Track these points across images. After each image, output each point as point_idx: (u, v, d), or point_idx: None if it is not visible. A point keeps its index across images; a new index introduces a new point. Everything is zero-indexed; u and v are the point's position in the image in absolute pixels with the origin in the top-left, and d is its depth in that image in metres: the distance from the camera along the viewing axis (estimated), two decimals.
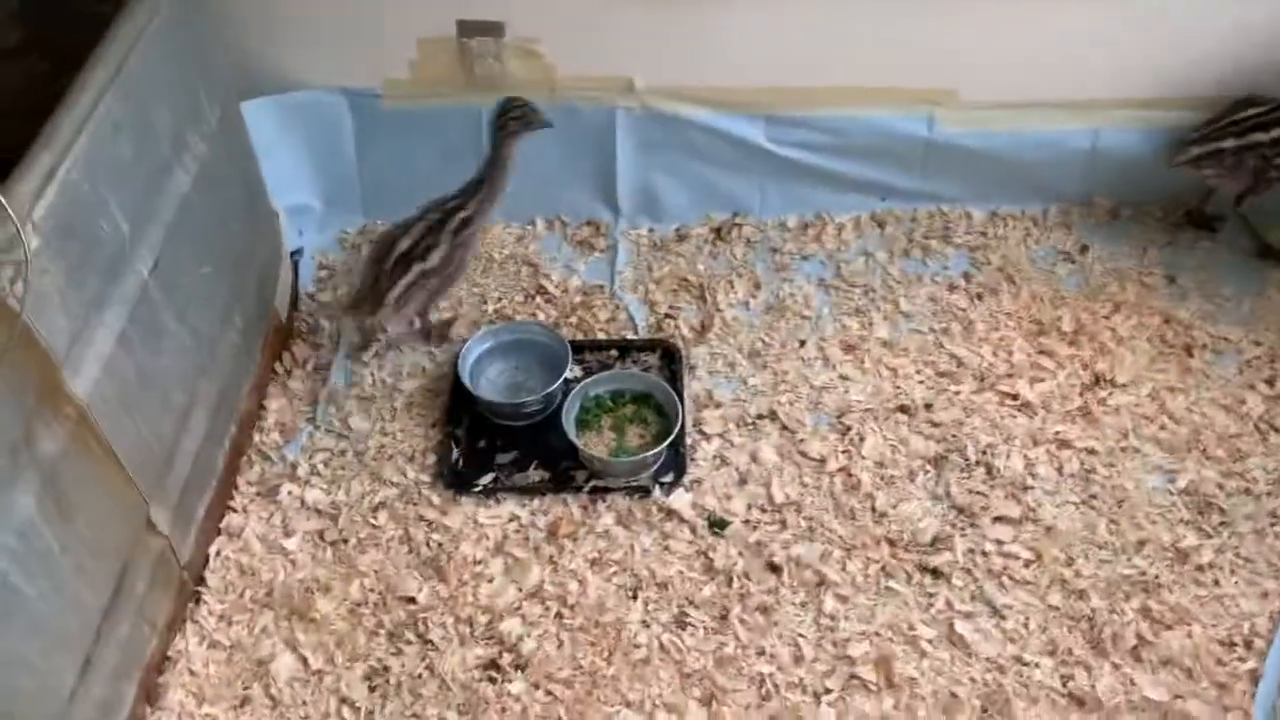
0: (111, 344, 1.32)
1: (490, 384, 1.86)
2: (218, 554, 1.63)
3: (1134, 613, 1.54)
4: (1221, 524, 1.64)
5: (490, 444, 1.78)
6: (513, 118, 1.75)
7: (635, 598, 1.57)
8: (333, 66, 1.96)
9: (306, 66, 1.95)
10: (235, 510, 1.69)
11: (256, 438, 1.79)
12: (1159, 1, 1.87)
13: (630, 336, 1.94)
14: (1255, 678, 1.47)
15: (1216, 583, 1.57)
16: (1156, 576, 1.58)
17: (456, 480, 1.72)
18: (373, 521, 1.68)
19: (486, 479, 1.72)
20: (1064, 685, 1.47)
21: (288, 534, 1.66)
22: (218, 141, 1.63)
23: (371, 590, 1.59)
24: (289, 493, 1.71)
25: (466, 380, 1.79)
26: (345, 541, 1.65)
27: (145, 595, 1.42)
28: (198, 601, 1.57)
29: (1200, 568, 1.59)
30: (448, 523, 1.67)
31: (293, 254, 2.04)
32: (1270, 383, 1.82)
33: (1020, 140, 2.03)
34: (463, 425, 1.80)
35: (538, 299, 2.02)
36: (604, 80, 1.98)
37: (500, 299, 2.02)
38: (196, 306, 1.55)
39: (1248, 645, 1.50)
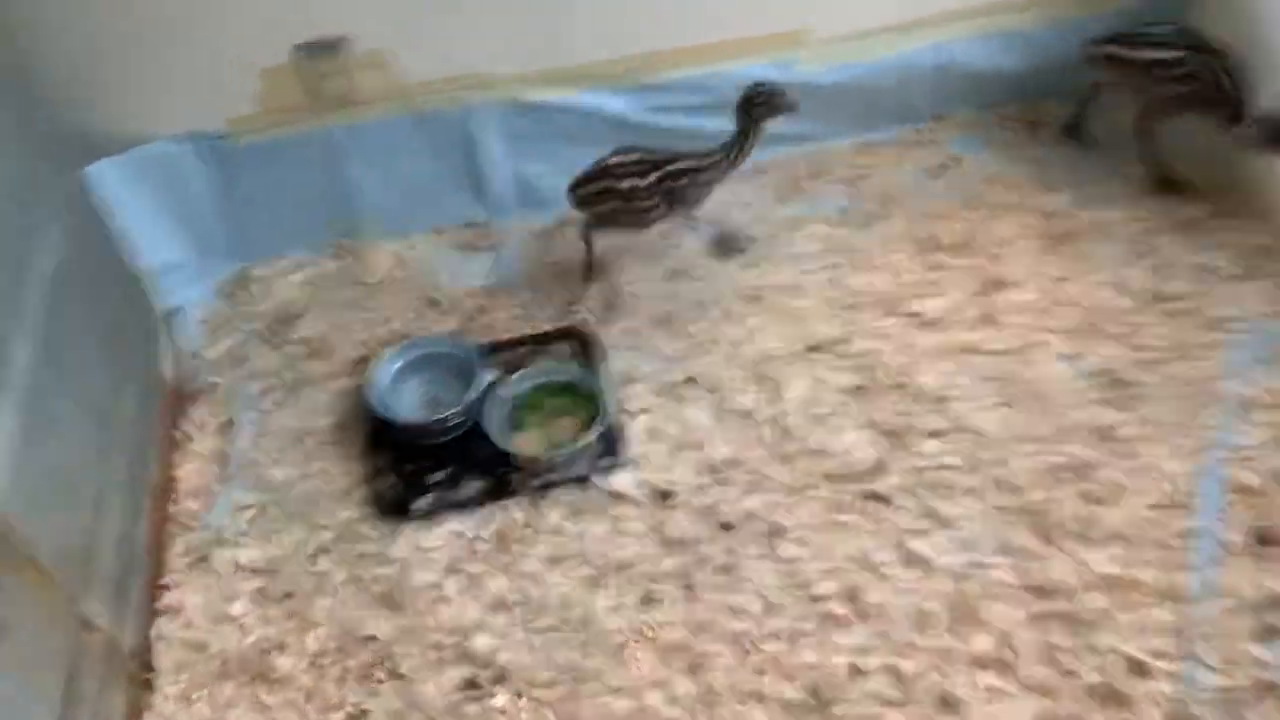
0: (12, 445, 1.24)
1: (406, 406, 1.82)
2: (159, 636, 1.56)
3: (1072, 497, 1.60)
4: (1133, 397, 1.72)
5: (419, 466, 1.74)
6: (757, 104, 1.81)
7: (599, 586, 1.57)
8: (175, 114, 1.88)
9: (149, 119, 1.87)
10: (169, 587, 1.62)
11: (173, 509, 1.72)
12: None
13: (538, 330, 1.92)
14: (1193, 532, 1.55)
15: (1139, 453, 1.65)
16: (1085, 458, 1.64)
17: (392, 510, 1.68)
18: (315, 569, 1.63)
19: (423, 502, 1.69)
20: (1022, 579, 1.52)
21: (229, 600, 1.60)
22: (71, 215, 1.55)
23: (330, 638, 1.55)
24: (221, 558, 1.65)
25: (380, 407, 1.75)
26: (291, 595, 1.60)
27: (99, 696, 1.35)
28: (151, 689, 1.50)
29: (1123, 441, 1.66)
30: (393, 554, 1.63)
31: (168, 314, 1.95)
32: (1149, 255, 1.91)
33: (876, 68, 2.08)
34: (386, 453, 1.76)
35: (433, 312, 1.98)
36: (460, 79, 1.95)
37: (393, 319, 1.97)
38: (86, 386, 1.48)
39: (1180, 505, 1.58)
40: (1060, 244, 1.95)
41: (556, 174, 2.07)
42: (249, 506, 1.71)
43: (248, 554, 1.65)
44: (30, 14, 1.68)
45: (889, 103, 2.14)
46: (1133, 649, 1.44)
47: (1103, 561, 1.53)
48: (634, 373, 1.83)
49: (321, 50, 1.86)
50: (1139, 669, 1.43)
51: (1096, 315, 1.83)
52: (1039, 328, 1.82)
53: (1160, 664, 1.43)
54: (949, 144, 2.18)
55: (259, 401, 1.86)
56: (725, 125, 2.04)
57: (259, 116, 1.92)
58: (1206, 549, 1.53)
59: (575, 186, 1.87)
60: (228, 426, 1.83)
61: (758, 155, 2.11)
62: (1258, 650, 1.43)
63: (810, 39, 2.02)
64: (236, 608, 1.59)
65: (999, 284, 1.89)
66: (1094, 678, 1.42)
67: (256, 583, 1.62)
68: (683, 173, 1.85)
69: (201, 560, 1.65)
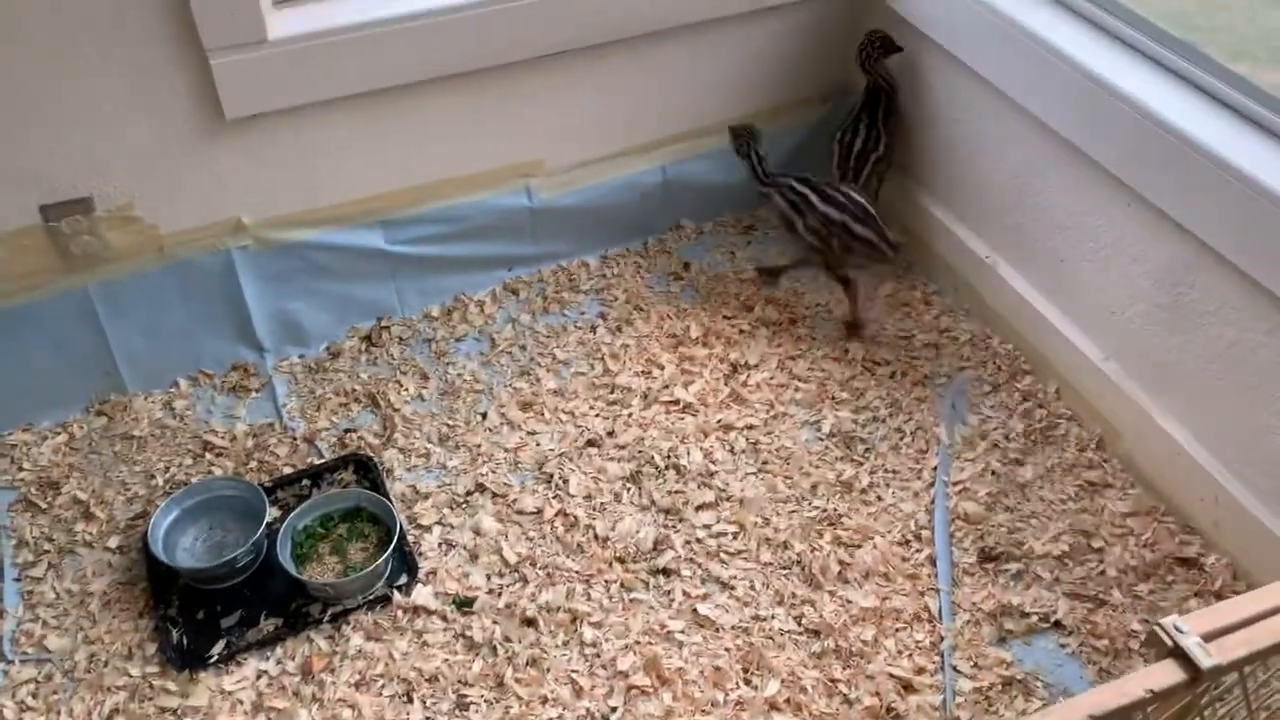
0: None
1: (189, 553, 1.79)
2: None
3: (829, 544, 1.80)
4: (866, 450, 1.96)
5: (210, 612, 1.72)
6: (877, 47, 2.20)
7: (411, 700, 1.60)
8: None
9: None
10: None
11: None
12: (673, 61, 2.21)
13: (317, 461, 1.95)
14: (932, 560, 1.78)
15: (879, 498, 1.88)
16: (834, 509, 1.86)
17: (187, 660, 1.65)
18: None
19: (218, 647, 1.66)
20: (799, 624, 1.69)
21: None
22: None
23: None
24: None
25: (162, 556, 1.72)
26: None
27: None
28: None
29: (863, 490, 1.89)
30: (194, 703, 1.59)
31: None
32: (856, 324, 2.20)
33: (606, 189, 2.29)
34: (173, 604, 1.72)
35: (208, 456, 1.96)
36: (211, 227, 1.98)
37: (169, 468, 1.94)
38: None
39: (918, 538, 1.82)
40: (785, 328, 2.20)
41: (317, 309, 2.15)
42: (28, 681, 1.62)
43: None
44: None
45: (621, 219, 2.35)
46: (899, 670, 1.63)
47: (863, 596, 1.73)
48: (419, 490, 1.89)
49: (68, 211, 1.85)
50: (908, 687, 1.62)
51: (825, 385, 2.08)
52: (780, 401, 2.04)
53: (924, 679, 1.63)
54: (677, 251, 2.40)
55: (28, 571, 1.77)
56: (471, 250, 2.19)
57: (2, 282, 1.87)
58: (945, 572, 1.77)
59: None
60: None
61: (516, 272, 2.28)
62: (999, 652, 1.66)
63: (543, 168, 2.21)
64: None
65: (741, 367, 2.11)
66: (872, 701, 1.60)
67: None
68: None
69: None
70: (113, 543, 1.82)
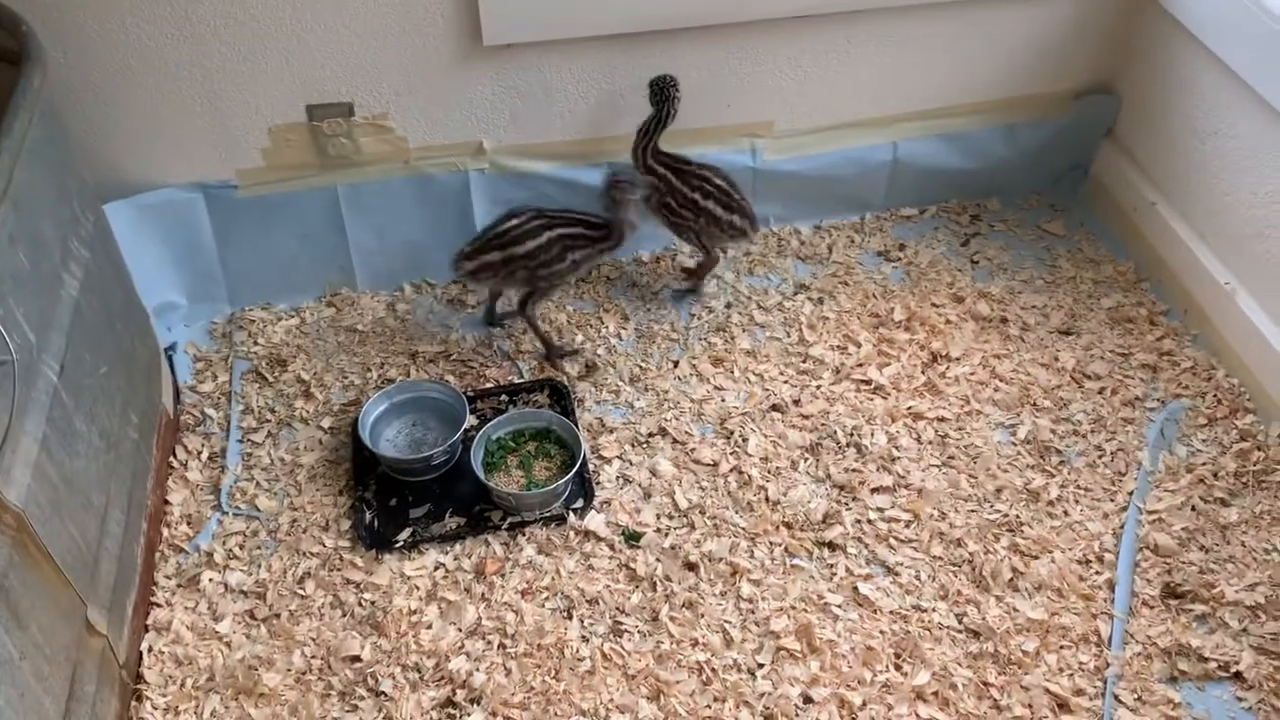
0: (36, 450, 1.33)
1: (391, 443, 1.93)
2: (150, 649, 1.63)
3: (1004, 550, 1.76)
4: (1060, 463, 1.89)
5: (402, 501, 1.85)
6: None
7: (570, 617, 1.68)
8: (187, 163, 2.00)
9: (161, 165, 1.98)
10: (160, 605, 1.69)
11: (166, 532, 1.79)
12: (920, 37, 2.16)
13: (517, 380, 2.05)
14: (1111, 585, 1.71)
15: (1066, 513, 1.82)
16: (1017, 516, 1.81)
17: (376, 540, 1.78)
18: (301, 592, 1.71)
19: (405, 534, 1.79)
20: (959, 622, 1.67)
21: (217, 619, 1.68)
22: (95, 246, 1.66)
23: (314, 657, 1.63)
24: (210, 579, 1.72)
25: (368, 443, 1.86)
26: (277, 616, 1.68)
27: (95, 696, 1.42)
28: (140, 699, 1.57)
29: (1050, 502, 1.83)
30: (376, 581, 1.72)
31: (166, 350, 2.05)
32: (1072, 335, 2.11)
33: (833, 159, 2.27)
34: (370, 488, 1.86)
35: (419, 359, 2.10)
36: (455, 146, 2.09)
37: (383, 364, 2.08)
38: (99, 407, 1.57)
39: (1100, 560, 1.75)
40: (995, 324, 2.14)
41: None
42: (237, 533, 1.80)
43: (235, 577, 1.73)
44: (65, 60, 1.82)
45: (842, 191, 2.33)
46: (1057, 687, 1.59)
47: (1031, 608, 1.68)
48: (606, 423, 1.96)
49: (330, 113, 2.00)
50: (1063, 706, 1.57)
51: (1028, 389, 2.01)
52: (976, 398, 2.00)
53: (1081, 701, 1.57)
54: (894, 230, 2.37)
55: (250, 435, 1.95)
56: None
57: (265, 170, 2.04)
58: (1123, 600, 1.70)
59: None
60: (219, 457, 1.92)
61: None
62: (1168, 691, 1.59)
63: (771, 130, 2.22)
64: (224, 626, 1.66)
65: (941, 358, 2.07)
66: (1023, 712, 1.56)
67: (244, 604, 1.70)
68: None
69: (191, 581, 1.73)
70: (325, 423, 1.97)
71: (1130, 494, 1.84)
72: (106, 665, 1.48)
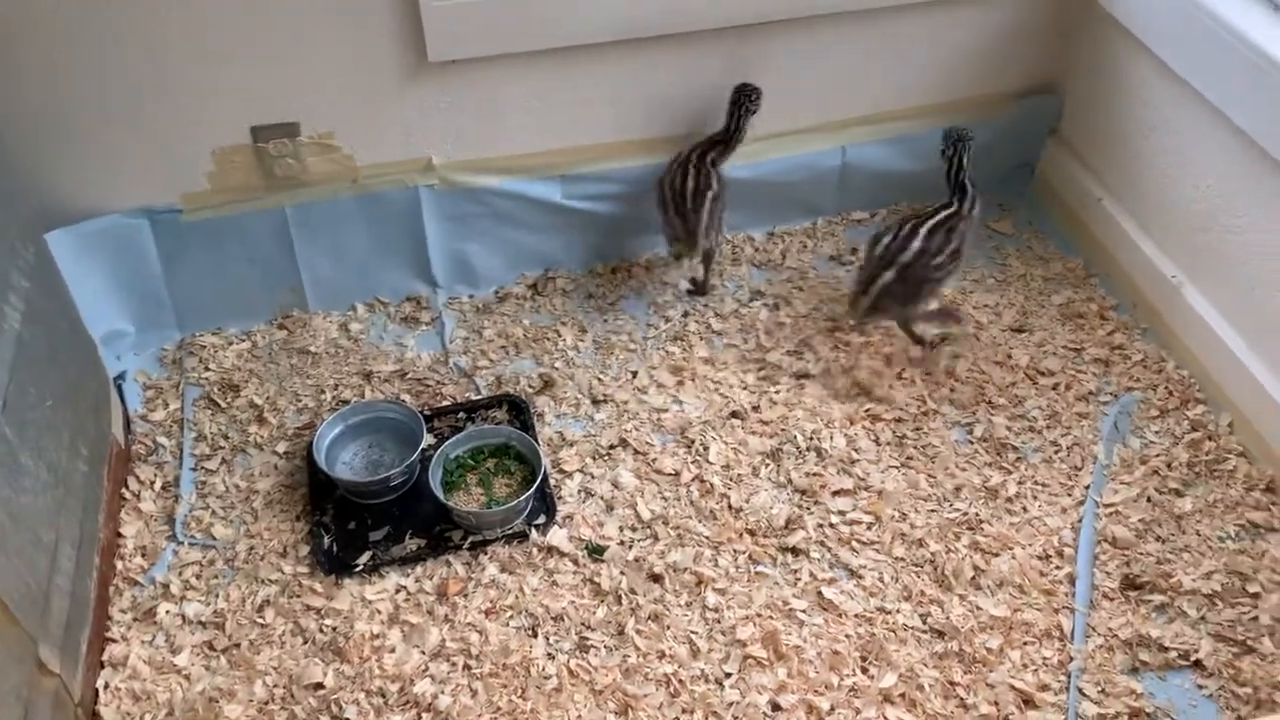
0: None
1: (348, 466, 1.90)
2: (106, 686, 1.60)
3: (965, 548, 1.77)
4: (1017, 459, 1.91)
5: (360, 524, 1.82)
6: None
7: (535, 635, 1.66)
8: (130, 188, 1.96)
9: (103, 191, 1.94)
10: (115, 640, 1.66)
11: (120, 565, 1.76)
12: (863, 42, 2.18)
13: (474, 397, 2.03)
14: (1072, 579, 1.73)
15: (1024, 509, 1.83)
16: (976, 514, 1.82)
17: (335, 565, 1.76)
18: (260, 621, 1.69)
19: (365, 558, 1.77)
20: (924, 622, 1.68)
21: (175, 651, 1.65)
22: (36, 277, 1.63)
23: (276, 686, 1.60)
24: (167, 611, 1.69)
25: (324, 466, 1.83)
26: (237, 646, 1.65)
27: None
28: None
29: (1009, 499, 1.85)
30: (337, 606, 1.70)
31: (115, 379, 2.01)
32: (1025, 333, 2.14)
33: (784, 165, 2.28)
34: (328, 512, 1.83)
35: (374, 379, 2.07)
36: (403, 163, 2.07)
37: (337, 385, 2.06)
38: (46, 441, 1.54)
39: (1060, 554, 1.77)
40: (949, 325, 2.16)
41: (491, 253, 2.23)
42: (193, 563, 1.76)
43: (192, 608, 1.70)
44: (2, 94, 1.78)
45: (793, 196, 2.34)
46: (1022, 683, 1.60)
47: (994, 605, 1.69)
48: (566, 437, 1.95)
49: (276, 133, 1.97)
50: (1029, 701, 1.58)
51: (984, 388, 2.03)
52: (932, 398, 2.01)
53: (1046, 696, 1.59)
54: (845, 235, 2.39)
55: (204, 463, 1.92)
56: (642, 213, 2.20)
57: (210, 194, 2.01)
58: (1084, 593, 1.72)
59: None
60: (173, 486, 1.88)
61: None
62: (1130, 682, 1.60)
63: None
64: (182, 659, 1.63)
65: (896, 359, 2.08)
66: (990, 710, 1.57)
67: (202, 635, 1.67)
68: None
69: (147, 614, 1.69)
70: (280, 448, 1.95)
71: (1087, 488, 1.86)
72: (61, 705, 1.45)
